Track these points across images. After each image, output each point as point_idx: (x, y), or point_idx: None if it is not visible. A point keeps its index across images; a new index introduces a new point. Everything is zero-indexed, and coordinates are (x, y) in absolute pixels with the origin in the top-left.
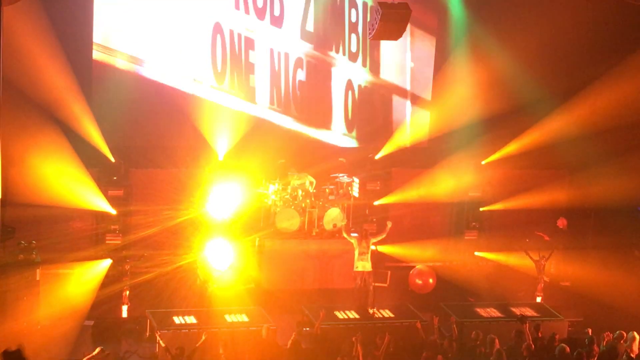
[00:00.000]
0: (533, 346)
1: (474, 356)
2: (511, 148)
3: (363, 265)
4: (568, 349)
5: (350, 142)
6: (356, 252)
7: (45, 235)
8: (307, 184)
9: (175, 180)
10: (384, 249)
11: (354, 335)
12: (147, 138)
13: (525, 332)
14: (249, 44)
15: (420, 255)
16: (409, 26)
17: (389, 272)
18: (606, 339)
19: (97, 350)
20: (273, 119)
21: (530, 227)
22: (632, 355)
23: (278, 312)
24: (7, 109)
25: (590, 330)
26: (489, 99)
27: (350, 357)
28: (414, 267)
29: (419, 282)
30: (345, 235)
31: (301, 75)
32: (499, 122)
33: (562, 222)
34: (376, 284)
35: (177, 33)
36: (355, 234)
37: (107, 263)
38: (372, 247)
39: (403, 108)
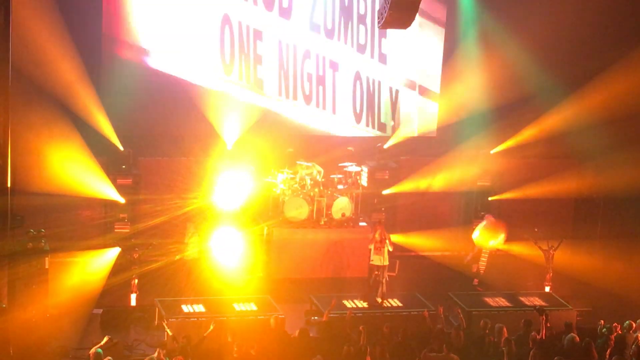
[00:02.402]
0: (540, 336)
1: (482, 345)
2: (520, 137)
3: (379, 259)
4: (577, 339)
5: (359, 132)
6: (372, 246)
7: (54, 223)
8: (315, 173)
9: (184, 169)
10: (393, 238)
11: (362, 324)
12: (156, 127)
13: (542, 323)
14: (257, 35)
15: (429, 245)
16: (417, 16)
17: (398, 262)
18: (615, 331)
19: (105, 339)
20: (281, 108)
21: (539, 216)
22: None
23: (286, 301)
24: (16, 98)
25: (602, 322)
26: (497, 88)
27: (358, 346)
28: (422, 256)
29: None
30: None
31: (309, 66)
32: (508, 112)
33: (489, 220)
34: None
35: (185, 24)
36: (364, 223)
37: (115, 251)
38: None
39: (412, 98)
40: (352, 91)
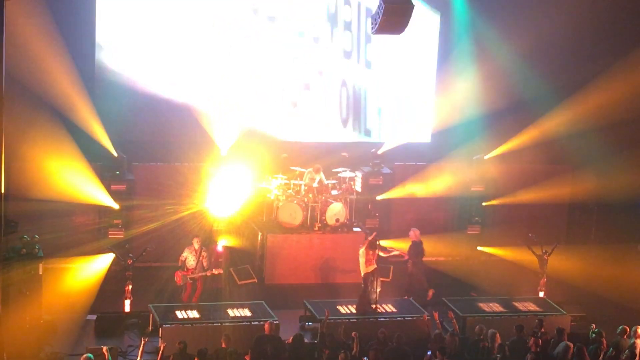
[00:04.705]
0: (537, 348)
1: (477, 350)
2: (514, 143)
3: (372, 267)
4: (572, 346)
5: (353, 138)
6: (363, 260)
7: (48, 229)
8: (317, 183)
9: (178, 175)
10: (387, 244)
11: (356, 330)
12: (150, 133)
13: (531, 345)
14: (244, 41)
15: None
16: (412, 21)
17: (392, 267)
18: (603, 336)
19: (104, 349)
20: (275, 114)
21: (533, 222)
22: (635, 351)
23: (281, 306)
24: (10, 103)
25: (594, 326)
26: (491, 94)
27: (352, 351)
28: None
29: None
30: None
31: (296, 73)
32: (502, 117)
33: (414, 234)
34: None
35: (177, 30)
36: (358, 229)
37: (109, 257)
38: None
39: (406, 103)
40: (339, 97)
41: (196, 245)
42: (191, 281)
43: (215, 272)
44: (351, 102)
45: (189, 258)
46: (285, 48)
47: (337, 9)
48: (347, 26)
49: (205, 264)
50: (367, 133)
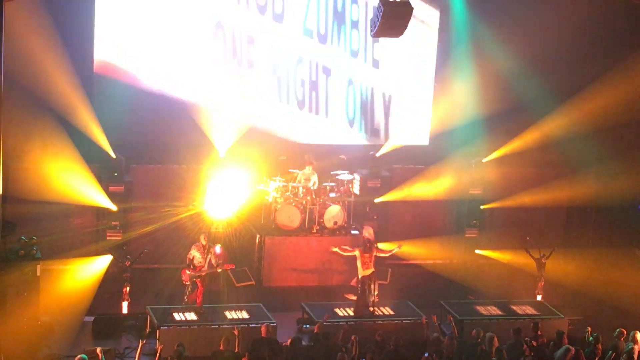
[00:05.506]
0: (531, 352)
1: (474, 354)
2: (513, 146)
3: (369, 271)
4: (573, 350)
5: (351, 140)
6: (359, 262)
7: (46, 231)
8: (312, 183)
9: (176, 177)
10: (385, 246)
11: (354, 333)
12: (148, 134)
13: (525, 349)
14: (250, 40)
15: (421, 253)
16: (410, 23)
17: (390, 270)
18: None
19: (98, 349)
20: (274, 115)
21: (531, 225)
22: (634, 355)
23: (278, 309)
24: (8, 104)
25: (590, 329)
26: (490, 96)
27: (351, 355)
28: (413, 264)
29: None
30: (343, 253)
31: (302, 72)
32: (501, 120)
33: (368, 232)
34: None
35: (178, 30)
36: (356, 231)
37: (107, 259)
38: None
39: (404, 105)
40: (345, 97)
41: (203, 242)
42: (199, 279)
43: (227, 268)
44: (358, 101)
45: (197, 256)
46: (291, 46)
47: (344, 7)
48: (355, 25)
49: (213, 261)
50: (375, 134)
